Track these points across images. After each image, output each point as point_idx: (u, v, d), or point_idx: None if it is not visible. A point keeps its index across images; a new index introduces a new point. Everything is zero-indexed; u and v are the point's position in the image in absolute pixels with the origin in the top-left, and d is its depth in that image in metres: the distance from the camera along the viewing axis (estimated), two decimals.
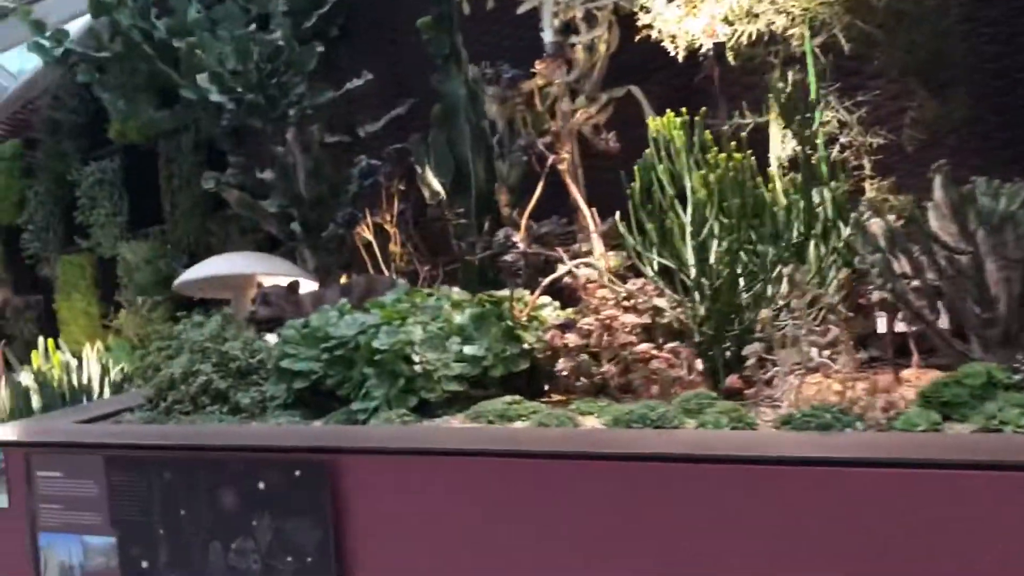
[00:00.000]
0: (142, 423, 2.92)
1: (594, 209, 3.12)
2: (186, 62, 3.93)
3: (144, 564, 2.38)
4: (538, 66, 3.00)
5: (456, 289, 3.05)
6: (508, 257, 2.69)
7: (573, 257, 3.01)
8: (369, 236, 3.92)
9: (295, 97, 3.70)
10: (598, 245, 3.10)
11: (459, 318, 2.75)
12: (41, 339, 5.25)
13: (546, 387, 2.70)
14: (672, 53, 3.11)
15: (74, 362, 5.09)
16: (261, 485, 2.22)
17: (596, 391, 2.61)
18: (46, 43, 4.04)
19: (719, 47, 2.93)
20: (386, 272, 4.00)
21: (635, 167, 2.67)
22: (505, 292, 2.77)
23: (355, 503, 2.12)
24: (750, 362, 2.29)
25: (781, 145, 3.10)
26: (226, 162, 5.76)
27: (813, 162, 2.43)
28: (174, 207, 6.34)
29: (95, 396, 4.13)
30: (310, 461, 2.16)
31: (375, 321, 2.82)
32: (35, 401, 4.26)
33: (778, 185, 2.75)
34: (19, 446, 2.59)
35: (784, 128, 2.83)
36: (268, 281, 3.47)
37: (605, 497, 1.85)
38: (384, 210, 3.93)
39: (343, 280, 4.06)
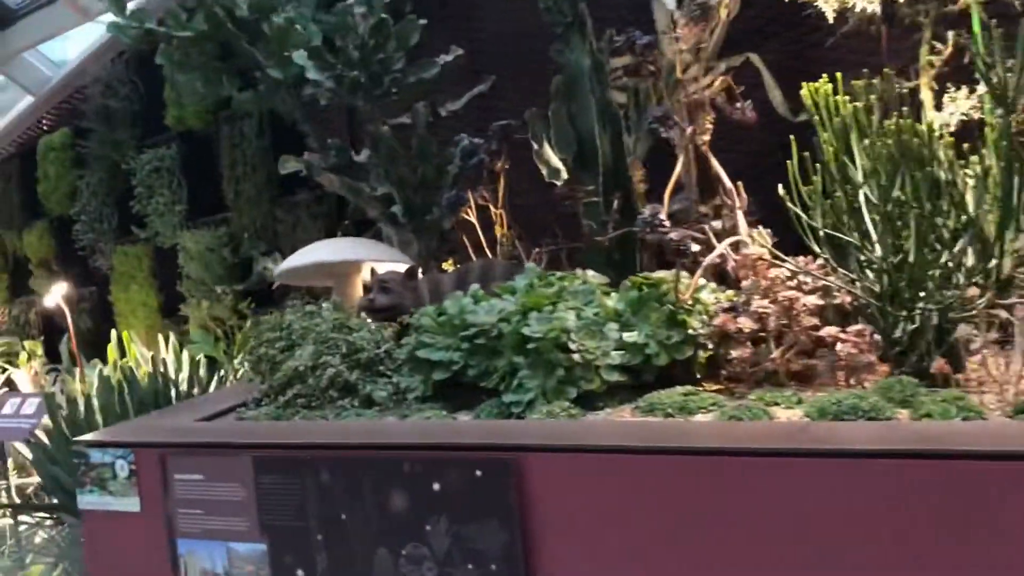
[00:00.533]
0: (269, 419, 2.76)
1: (739, 183, 2.92)
2: (276, 39, 3.74)
3: (300, 573, 2.22)
4: (680, 30, 2.79)
5: (591, 272, 2.86)
6: (674, 235, 2.49)
7: (716, 236, 2.82)
8: (472, 218, 3.74)
9: (398, 73, 3.50)
10: (743, 223, 2.90)
11: (614, 302, 2.56)
12: (114, 332, 5.11)
13: (697, 376, 2.51)
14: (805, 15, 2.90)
15: (148, 355, 4.95)
16: (436, 486, 2.04)
17: (764, 380, 2.42)
18: (125, 22, 3.86)
19: (887, 6, 2.70)
20: (489, 256, 3.82)
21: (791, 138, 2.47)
22: (660, 273, 2.58)
23: (543, 505, 1.95)
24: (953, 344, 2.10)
25: (938, 111, 2.89)
26: (300, 145, 5.60)
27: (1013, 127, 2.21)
28: (238, 194, 6.17)
29: (187, 391, 3.98)
30: (494, 459, 1.98)
31: (514, 307, 2.64)
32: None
33: (945, 153, 2.54)
34: (154, 447, 2.43)
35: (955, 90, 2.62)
36: (375, 268, 3.29)
37: (833, 498, 1.66)
38: (486, 190, 3.75)
39: (447, 265, 3.89)
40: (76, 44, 9.05)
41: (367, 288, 3.17)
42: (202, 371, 4.54)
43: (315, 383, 2.81)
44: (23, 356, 6.93)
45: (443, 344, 2.69)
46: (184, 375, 4.35)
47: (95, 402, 3.89)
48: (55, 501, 3.92)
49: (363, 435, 2.21)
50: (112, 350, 5.06)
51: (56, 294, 5.02)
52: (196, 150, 6.77)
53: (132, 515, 2.50)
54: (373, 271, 3.23)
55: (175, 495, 2.40)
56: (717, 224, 3.01)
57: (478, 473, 1.99)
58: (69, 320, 4.93)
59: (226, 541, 2.33)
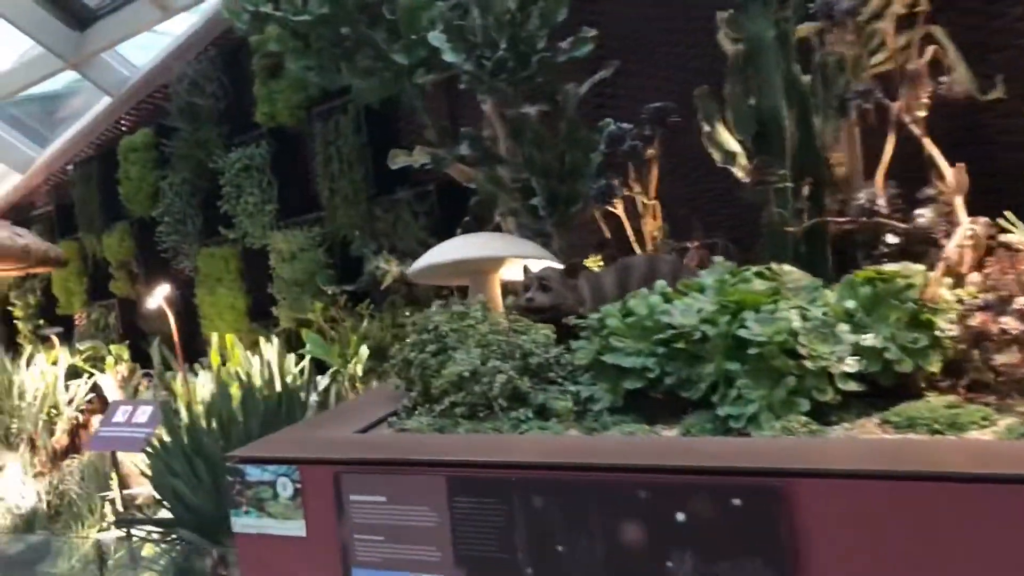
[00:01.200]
0: (432, 430, 2.48)
1: (960, 166, 2.57)
2: (404, 21, 3.47)
3: None
4: None
5: (787, 267, 2.53)
6: (922, 221, 2.16)
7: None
8: (619, 211, 3.44)
9: (547, 52, 3.21)
10: (961, 209, 2.55)
11: (841, 300, 2.23)
12: (215, 336, 4.90)
13: (918, 384, 2.16)
14: None
15: (253, 359, 4.73)
16: (680, 516, 1.74)
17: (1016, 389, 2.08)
18: (239, 5, 3.62)
19: None
20: (638, 251, 3.52)
21: None
22: (893, 266, 2.25)
23: (818, 541, 1.63)
24: None
25: None
26: (395, 140, 5.36)
27: None
28: (332, 193, 5.95)
29: (318, 400, 3.73)
30: (757, 485, 1.67)
31: (714, 307, 2.33)
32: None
33: None
34: (326, 464, 2.16)
35: None
36: (528, 266, 3.00)
37: None
38: (635, 180, 3.44)
39: (590, 263, 3.59)
40: (153, 45, 8.96)
41: (524, 286, 2.88)
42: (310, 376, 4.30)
43: (481, 391, 2.52)
44: (109, 360, 6.79)
45: (634, 348, 2.38)
46: (294, 380, 4.10)
47: (203, 410, 3.66)
48: (170, 515, 3.69)
49: (585, 454, 1.91)
50: (215, 354, 4.85)
51: (159, 296, 4.83)
52: (286, 148, 6.57)
53: (296, 540, 2.23)
54: (527, 268, 2.94)
55: (351, 519, 2.13)
56: (925, 211, 2.67)
57: (736, 502, 1.68)
58: (172, 323, 4.73)
59: (413, 572, 2.05)
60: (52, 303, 9.51)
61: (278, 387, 3.69)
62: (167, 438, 3.82)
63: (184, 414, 3.62)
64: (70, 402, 6.70)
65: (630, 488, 1.80)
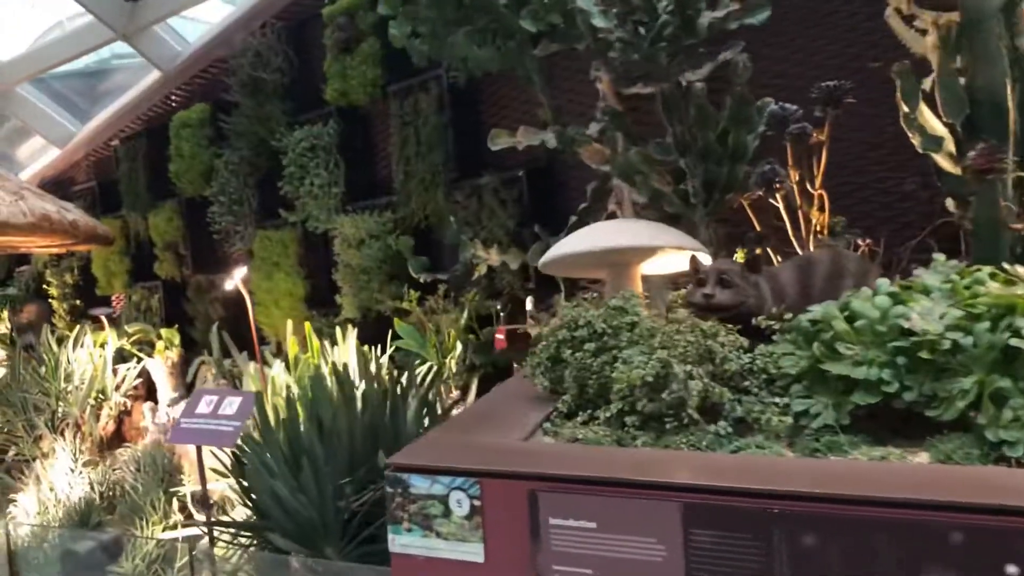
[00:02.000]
0: (610, 442, 2.14)
1: None
2: None
3: None
4: None
5: (1020, 268, 2.18)
6: None
7: None
8: (779, 200, 3.09)
9: (716, 18, 2.87)
10: None
11: None
12: (289, 323, 4.57)
13: None
14: None
15: (336, 350, 4.40)
16: (1011, 569, 1.40)
17: None
18: None
19: None
20: (797, 244, 3.17)
21: None
22: None
23: None
24: None
25: None
26: (477, 121, 5.03)
27: None
28: (407, 176, 5.61)
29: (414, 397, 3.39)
30: None
31: (959, 312, 1.99)
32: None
33: None
34: (518, 479, 1.82)
35: None
36: (696, 257, 2.66)
37: None
38: (792, 166, 3.09)
39: (738, 256, 3.24)
40: (206, 19, 8.65)
41: (698, 281, 2.54)
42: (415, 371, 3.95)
43: (672, 399, 2.18)
44: (160, 345, 6.47)
45: (864, 357, 2.03)
46: (391, 376, 3.76)
47: (287, 404, 3.33)
48: (260, 519, 3.36)
49: (876, 484, 1.56)
50: (292, 343, 4.51)
51: (236, 278, 4.49)
52: (356, 127, 6.24)
53: (472, 566, 1.89)
54: (696, 261, 2.60)
55: (550, 546, 1.79)
56: None
57: None
58: (249, 307, 4.40)
59: None
60: (90, 283, 9.21)
61: (371, 382, 3.35)
62: (254, 433, 3.50)
63: (280, 407, 3.29)
64: (118, 387, 6.39)
65: (940, 529, 1.46)
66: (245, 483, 3.38)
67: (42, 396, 5.98)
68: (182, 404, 5.75)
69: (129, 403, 6.38)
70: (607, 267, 3.08)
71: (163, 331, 6.53)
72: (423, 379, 3.83)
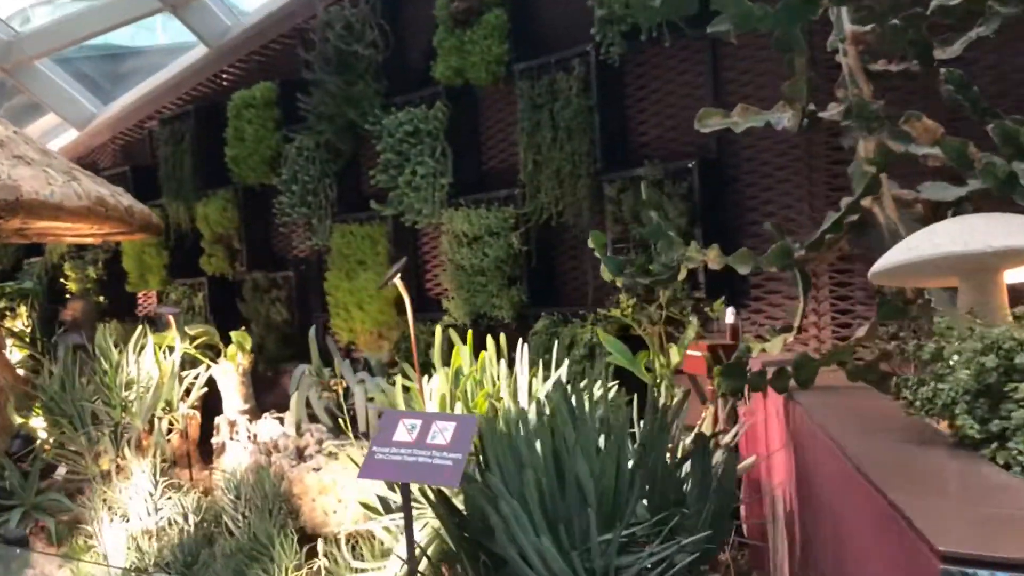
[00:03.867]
0: None
1: None
2: None
3: None
4: None
5: None
6: None
7: None
8: None
9: None
10: None
11: None
12: (438, 330, 3.86)
13: None
14: None
15: (492, 365, 3.72)
16: None
17: None
18: None
19: None
20: None
21: None
22: None
23: None
24: None
25: None
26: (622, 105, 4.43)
27: None
28: (537, 166, 4.95)
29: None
30: None
31: None
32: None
33: None
34: None
35: None
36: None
37: None
38: None
39: None
40: None
41: None
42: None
43: None
44: (231, 350, 5.71)
45: None
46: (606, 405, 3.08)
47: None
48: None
49: None
50: (438, 354, 3.80)
51: (395, 271, 3.72)
52: (467, 110, 5.57)
53: None
54: None
55: None
56: None
57: None
58: (408, 307, 3.66)
59: None
60: (117, 277, 8.39)
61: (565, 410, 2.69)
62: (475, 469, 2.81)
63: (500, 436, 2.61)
64: (184, 396, 5.63)
65: None
66: (464, 533, 2.69)
67: (102, 405, 5.20)
68: (268, 420, 5.02)
69: (198, 415, 5.63)
70: (962, 274, 2.45)
71: (233, 334, 5.77)
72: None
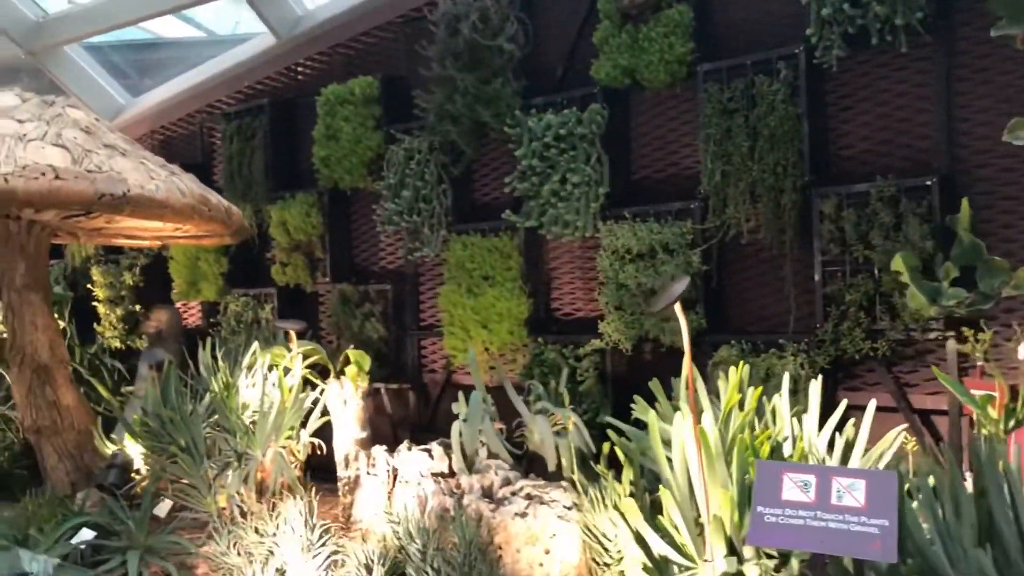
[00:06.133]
0: None
1: None
2: None
3: None
4: None
5: None
6: None
7: None
8: None
9: None
10: None
11: None
12: (686, 364, 3.34)
13: None
14: None
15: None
16: None
17: None
18: None
19: None
20: None
21: None
22: None
23: None
24: None
25: None
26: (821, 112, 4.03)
27: None
28: (726, 177, 4.49)
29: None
30: None
31: None
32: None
33: None
34: None
35: None
36: None
37: None
38: None
39: None
40: None
41: None
42: None
43: None
44: (351, 370, 5.07)
45: None
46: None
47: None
48: None
49: None
50: (733, 390, 3.26)
51: (676, 291, 3.13)
52: (627, 113, 5.10)
53: None
54: None
55: None
56: None
57: None
58: (684, 331, 3.11)
59: None
60: (158, 285, 7.64)
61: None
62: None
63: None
64: (304, 423, 4.98)
65: None
66: None
67: (218, 432, 4.53)
68: (415, 452, 4.43)
69: (320, 445, 4.99)
70: None
71: (350, 352, 5.13)
72: None
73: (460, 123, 5.43)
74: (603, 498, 3.69)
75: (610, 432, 3.71)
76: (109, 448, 4.95)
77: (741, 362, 3.47)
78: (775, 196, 4.37)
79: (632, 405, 3.73)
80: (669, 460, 3.27)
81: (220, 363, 4.82)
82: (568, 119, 5.00)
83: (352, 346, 5.40)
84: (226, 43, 8.33)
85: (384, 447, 4.61)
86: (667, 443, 3.30)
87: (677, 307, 3.15)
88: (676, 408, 3.36)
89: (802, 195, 4.32)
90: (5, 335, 6.43)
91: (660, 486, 3.26)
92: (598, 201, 4.93)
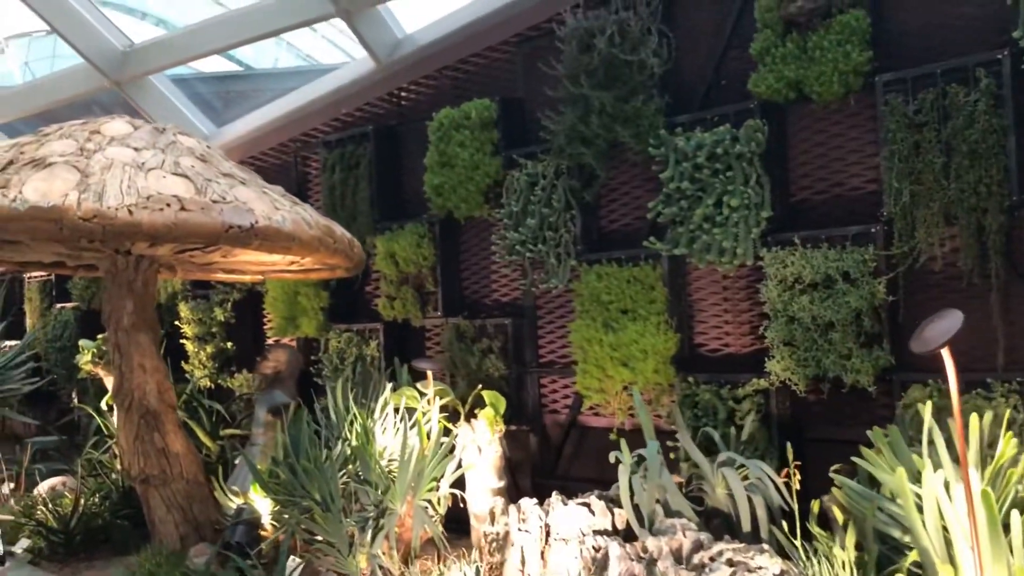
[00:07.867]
0: None
1: None
2: None
3: None
4: None
5: None
6: None
7: None
8: None
9: None
10: None
11: None
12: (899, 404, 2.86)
13: None
14: None
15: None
16: None
17: None
18: None
19: None
20: None
21: None
22: None
23: None
24: None
25: None
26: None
27: None
28: (915, 198, 4.04)
29: None
30: None
31: None
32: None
33: None
34: None
35: None
36: None
37: None
38: None
39: None
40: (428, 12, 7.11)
41: None
42: None
43: None
44: (487, 412, 4.67)
45: None
46: None
47: None
48: None
49: None
50: (939, 438, 2.81)
51: (943, 333, 2.69)
52: (788, 130, 4.68)
53: None
54: None
55: None
56: None
57: None
58: (953, 381, 2.66)
59: None
60: (248, 321, 7.35)
61: None
62: None
63: None
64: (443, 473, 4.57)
65: None
66: None
67: (357, 483, 4.14)
68: (563, 506, 4.00)
69: (462, 496, 4.57)
70: None
71: (486, 394, 4.74)
72: None
73: (594, 144, 5.05)
74: (818, 564, 3.23)
75: (835, 490, 3.25)
76: (232, 502, 4.57)
77: (988, 409, 2.98)
78: (976, 218, 3.91)
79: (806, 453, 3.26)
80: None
81: (353, 406, 4.43)
82: (722, 137, 4.59)
83: (480, 386, 5.01)
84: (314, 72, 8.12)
85: (534, 500, 4.18)
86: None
87: (945, 349, 2.70)
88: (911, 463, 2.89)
89: (1009, 216, 3.86)
90: (109, 376, 6.12)
91: (908, 555, 2.79)
92: (759, 226, 4.50)
